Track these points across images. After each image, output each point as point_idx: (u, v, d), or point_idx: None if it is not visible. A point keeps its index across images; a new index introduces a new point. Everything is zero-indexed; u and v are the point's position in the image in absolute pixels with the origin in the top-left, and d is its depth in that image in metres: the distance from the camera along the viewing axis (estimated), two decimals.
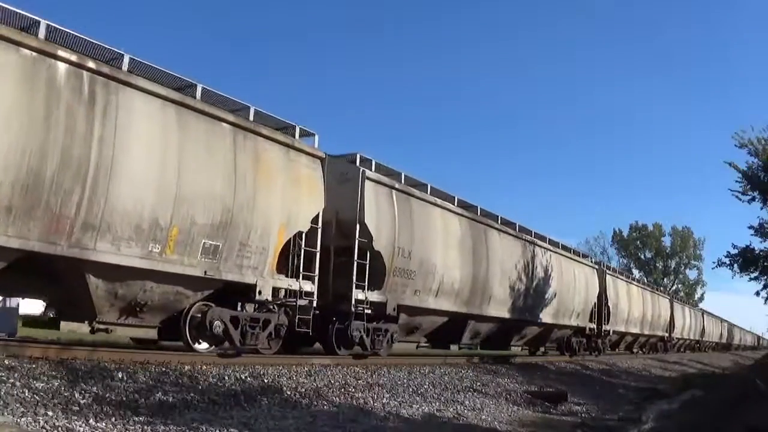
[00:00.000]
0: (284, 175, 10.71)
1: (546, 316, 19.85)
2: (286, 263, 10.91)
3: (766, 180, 18.97)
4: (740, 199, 19.51)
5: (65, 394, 6.56)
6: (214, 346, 10.06)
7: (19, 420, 5.58)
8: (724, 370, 34.46)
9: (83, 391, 6.76)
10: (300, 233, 11.00)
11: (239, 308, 10.14)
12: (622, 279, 30.44)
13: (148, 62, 9.03)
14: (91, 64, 8.00)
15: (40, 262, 7.77)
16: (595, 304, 24.27)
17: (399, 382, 11.09)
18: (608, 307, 25.88)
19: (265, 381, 9.07)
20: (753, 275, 20.53)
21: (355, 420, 7.97)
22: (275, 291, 10.58)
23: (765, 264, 20.18)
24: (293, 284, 10.92)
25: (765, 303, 20.52)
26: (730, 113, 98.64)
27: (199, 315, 9.64)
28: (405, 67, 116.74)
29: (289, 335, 11.19)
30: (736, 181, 19.57)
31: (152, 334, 9.63)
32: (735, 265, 20.59)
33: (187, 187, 8.83)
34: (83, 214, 7.72)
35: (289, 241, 10.78)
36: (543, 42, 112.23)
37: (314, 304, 11.18)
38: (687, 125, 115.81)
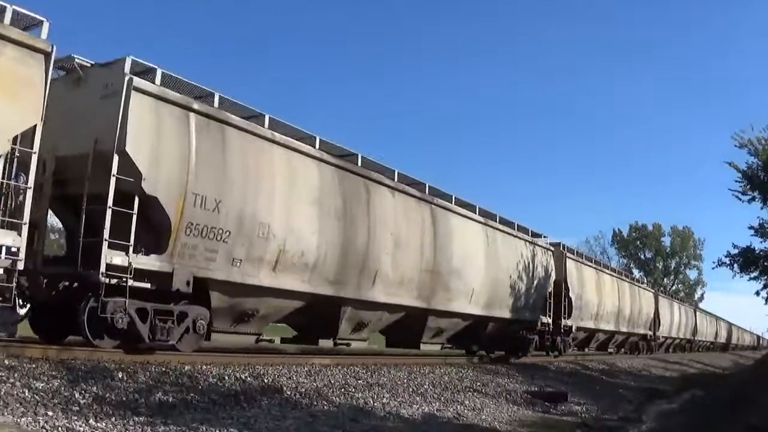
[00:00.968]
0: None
1: (473, 306, 15.63)
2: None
3: (766, 180, 18.95)
4: (740, 199, 19.51)
5: (65, 394, 6.55)
6: None
7: (19, 420, 5.58)
8: (724, 370, 34.50)
9: (83, 391, 6.76)
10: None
11: None
12: (589, 265, 25.18)
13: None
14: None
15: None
16: (550, 293, 20.10)
17: (399, 382, 11.10)
18: (569, 298, 21.51)
19: (265, 381, 9.07)
20: (753, 275, 20.52)
21: (355, 420, 7.98)
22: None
23: (765, 264, 20.17)
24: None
25: (765, 303, 20.51)
26: (730, 113, 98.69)
27: None
28: (404, 66, 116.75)
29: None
30: (736, 181, 19.57)
31: None
32: (735, 265, 20.58)
33: None
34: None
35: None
36: (542, 41, 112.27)
37: (19, 267, 7.68)
38: (687, 125, 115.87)
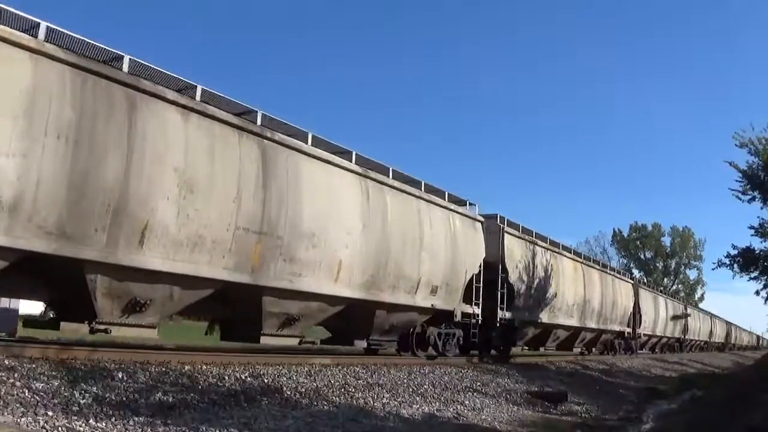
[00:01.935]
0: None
1: (341, 286, 11.58)
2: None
3: (766, 179, 18.96)
4: (740, 199, 19.52)
5: (65, 394, 6.55)
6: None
7: (19, 420, 5.58)
8: (724, 370, 34.48)
9: (83, 391, 6.75)
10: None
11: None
12: (542, 245, 20.30)
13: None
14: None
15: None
16: (477, 276, 15.83)
17: (399, 382, 11.09)
18: (509, 284, 17.69)
19: (265, 381, 9.07)
20: (753, 275, 20.53)
21: (355, 420, 7.98)
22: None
23: (765, 264, 20.18)
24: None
25: (765, 303, 20.52)
26: (730, 113, 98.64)
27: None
28: (404, 64, 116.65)
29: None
30: (737, 181, 19.58)
31: None
32: (735, 266, 20.59)
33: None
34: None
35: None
36: (543, 40, 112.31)
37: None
38: (688, 125, 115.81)
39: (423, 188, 14.34)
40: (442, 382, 12.20)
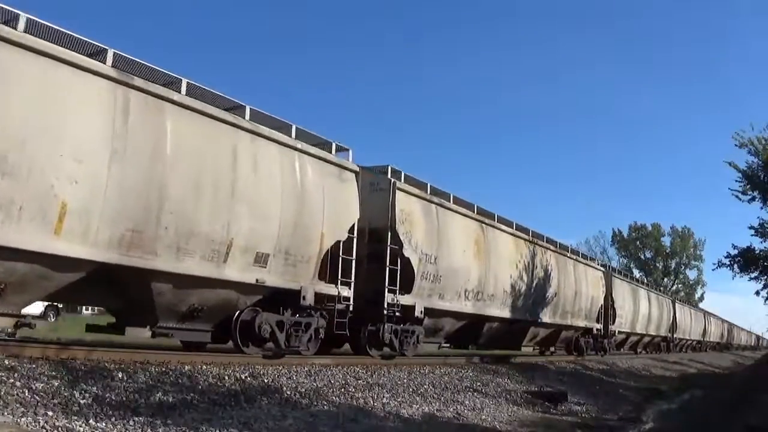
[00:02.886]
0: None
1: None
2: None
3: (766, 180, 18.99)
4: (740, 199, 19.57)
5: (65, 394, 6.55)
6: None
7: (19, 420, 5.58)
8: (725, 370, 34.49)
9: (83, 391, 6.76)
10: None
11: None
12: (458, 211, 15.24)
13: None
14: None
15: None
16: (343, 245, 11.62)
17: (399, 382, 11.09)
18: (404, 258, 12.89)
19: (265, 381, 9.07)
20: (753, 275, 20.56)
21: (355, 420, 7.98)
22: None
23: (765, 264, 20.20)
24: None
25: (765, 303, 20.55)
26: (731, 112, 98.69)
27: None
28: (405, 67, 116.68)
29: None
30: (736, 181, 19.62)
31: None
32: (735, 266, 20.62)
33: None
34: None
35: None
36: (545, 42, 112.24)
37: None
38: (687, 124, 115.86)
39: (248, 116, 10.26)
40: (442, 382, 12.20)
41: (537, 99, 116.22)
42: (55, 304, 22.21)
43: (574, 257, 23.03)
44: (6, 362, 7.06)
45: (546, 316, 19.87)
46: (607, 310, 25.90)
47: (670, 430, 11.72)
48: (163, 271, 8.68)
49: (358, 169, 12.31)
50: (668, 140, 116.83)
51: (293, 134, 11.01)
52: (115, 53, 8.42)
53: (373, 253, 12.63)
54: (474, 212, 16.10)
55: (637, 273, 64.25)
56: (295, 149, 10.89)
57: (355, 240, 11.96)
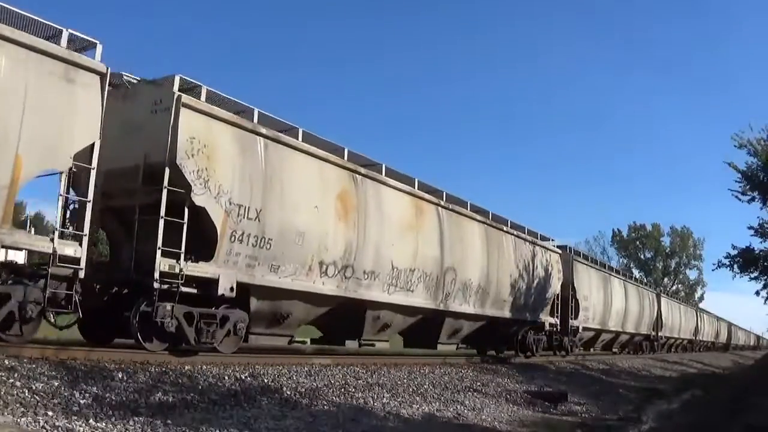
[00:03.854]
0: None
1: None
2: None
3: (766, 180, 18.98)
4: (740, 200, 19.54)
5: (65, 394, 6.55)
6: None
7: (19, 420, 5.58)
8: (725, 370, 34.48)
9: (83, 391, 6.76)
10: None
11: None
12: (307, 150, 11.29)
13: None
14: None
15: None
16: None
17: (399, 382, 11.10)
18: (199, 213, 9.27)
19: (265, 381, 9.07)
20: (753, 275, 20.54)
21: (355, 420, 7.98)
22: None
23: (765, 264, 20.19)
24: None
25: (765, 303, 20.53)
26: (730, 112, 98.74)
27: None
28: (402, 61, 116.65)
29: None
30: (736, 181, 19.60)
31: None
32: (735, 266, 20.60)
33: None
34: None
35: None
36: (542, 38, 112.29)
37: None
38: (687, 124, 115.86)
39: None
40: (442, 382, 12.21)
41: (537, 100, 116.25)
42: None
43: (516, 233, 18.23)
44: (6, 362, 7.06)
45: (469, 305, 15.59)
46: (567, 302, 21.44)
47: (670, 430, 11.71)
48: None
49: (105, 69, 8.47)
50: (668, 139, 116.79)
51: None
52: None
53: (152, 203, 9.03)
54: (342, 157, 12.06)
55: (636, 273, 64.27)
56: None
57: (93, 173, 8.31)
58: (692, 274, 74.36)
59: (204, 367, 9.05)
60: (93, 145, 8.29)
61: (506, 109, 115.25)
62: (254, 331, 10.64)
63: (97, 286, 9.18)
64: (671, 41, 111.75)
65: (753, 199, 19.37)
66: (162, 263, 8.76)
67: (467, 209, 16.24)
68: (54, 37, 8.17)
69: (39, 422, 5.58)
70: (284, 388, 8.86)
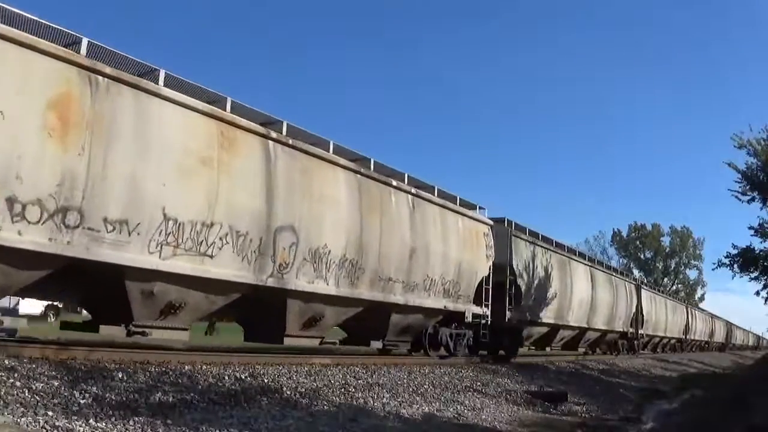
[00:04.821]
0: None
1: None
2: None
3: (765, 180, 19.01)
4: (740, 200, 19.57)
5: (65, 394, 6.55)
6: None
7: (19, 420, 5.57)
8: (725, 369, 34.49)
9: (83, 391, 6.75)
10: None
11: None
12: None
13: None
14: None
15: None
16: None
17: (399, 382, 11.10)
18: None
19: (265, 381, 9.07)
20: (753, 275, 20.57)
21: (355, 420, 7.97)
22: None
23: (765, 264, 20.20)
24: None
25: (765, 303, 20.55)
26: (729, 111, 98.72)
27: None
28: (401, 59, 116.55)
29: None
30: (736, 182, 19.64)
31: None
32: (735, 266, 20.63)
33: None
34: None
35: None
36: (542, 38, 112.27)
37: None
38: (686, 123, 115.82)
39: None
40: (442, 382, 12.20)
41: (535, 99, 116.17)
42: (55, 303, 22.16)
43: (415, 191, 13.95)
44: (6, 362, 7.06)
45: (327, 283, 11.31)
46: (504, 289, 17.52)
47: (670, 430, 11.71)
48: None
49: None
50: (668, 139, 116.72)
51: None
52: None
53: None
54: (71, 48, 8.09)
55: (636, 273, 64.27)
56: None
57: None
58: (693, 274, 74.46)
59: (204, 367, 9.06)
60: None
61: (505, 108, 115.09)
62: None
63: None
64: (671, 43, 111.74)
65: (753, 199, 19.41)
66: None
67: (329, 151, 11.75)
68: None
69: (39, 422, 5.57)
70: (284, 388, 8.86)
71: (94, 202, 7.92)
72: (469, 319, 15.84)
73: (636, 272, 65.19)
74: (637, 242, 72.77)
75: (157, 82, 8.94)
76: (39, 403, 6.10)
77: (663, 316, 36.43)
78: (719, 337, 59.16)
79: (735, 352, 62.86)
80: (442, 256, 14.49)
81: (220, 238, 9.42)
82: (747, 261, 20.31)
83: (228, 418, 6.97)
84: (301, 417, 7.59)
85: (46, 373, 7.06)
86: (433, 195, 14.79)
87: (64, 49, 7.89)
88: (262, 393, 8.35)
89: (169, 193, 8.71)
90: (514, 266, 18.15)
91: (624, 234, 72.95)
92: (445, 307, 14.80)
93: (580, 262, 24.06)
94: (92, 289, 9.06)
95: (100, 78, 8.14)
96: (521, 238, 19.13)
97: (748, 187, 19.42)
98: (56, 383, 6.80)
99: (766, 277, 20.60)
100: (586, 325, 23.90)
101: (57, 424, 5.62)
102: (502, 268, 17.47)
